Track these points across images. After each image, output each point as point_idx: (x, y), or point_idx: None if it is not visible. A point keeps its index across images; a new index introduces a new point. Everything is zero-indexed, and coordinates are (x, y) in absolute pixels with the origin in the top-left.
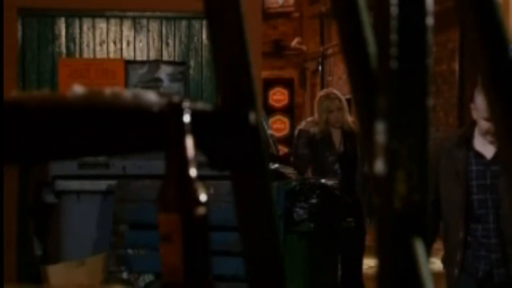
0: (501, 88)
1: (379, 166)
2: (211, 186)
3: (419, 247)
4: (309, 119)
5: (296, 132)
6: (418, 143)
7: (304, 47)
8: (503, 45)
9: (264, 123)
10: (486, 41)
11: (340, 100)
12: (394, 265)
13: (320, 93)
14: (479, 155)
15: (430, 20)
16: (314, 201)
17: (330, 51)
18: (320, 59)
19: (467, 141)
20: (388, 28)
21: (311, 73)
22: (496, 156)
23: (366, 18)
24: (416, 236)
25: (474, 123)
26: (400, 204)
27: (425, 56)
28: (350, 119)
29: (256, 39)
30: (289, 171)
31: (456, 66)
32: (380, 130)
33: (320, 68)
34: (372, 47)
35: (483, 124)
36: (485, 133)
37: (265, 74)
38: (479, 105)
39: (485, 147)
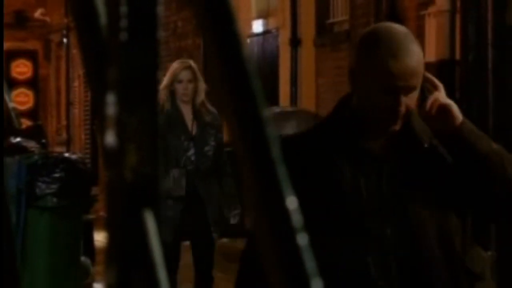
0: (235, 89)
1: (110, 138)
2: None
3: (150, 219)
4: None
5: None
6: (148, 115)
7: (48, 19)
8: (236, 47)
9: (6, 96)
10: (220, 44)
11: (193, 70)
12: (124, 237)
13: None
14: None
15: None
16: (57, 175)
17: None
18: (65, 31)
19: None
20: (118, 0)
21: (56, 45)
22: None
23: None
24: (146, 208)
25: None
26: (131, 176)
27: (155, 29)
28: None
29: None
30: (31, 144)
31: (201, 41)
32: (111, 103)
33: (65, 40)
34: (103, 19)
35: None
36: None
37: (6, 45)
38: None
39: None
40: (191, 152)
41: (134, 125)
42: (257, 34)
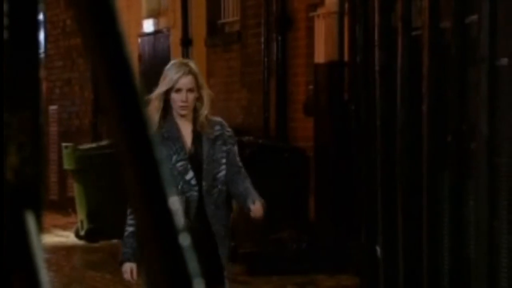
0: (116, 90)
1: None
2: None
3: (31, 219)
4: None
5: None
6: (30, 115)
7: None
8: (117, 46)
9: None
10: (101, 44)
11: (195, 76)
12: (5, 238)
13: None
14: None
15: None
16: None
17: None
18: None
19: None
20: None
21: None
22: None
23: None
24: (28, 209)
25: None
26: (13, 177)
27: (37, 28)
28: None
29: None
30: None
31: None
32: None
33: None
34: None
35: None
36: None
37: None
38: None
39: None
40: (190, 175)
41: (15, 126)
42: (148, 34)
